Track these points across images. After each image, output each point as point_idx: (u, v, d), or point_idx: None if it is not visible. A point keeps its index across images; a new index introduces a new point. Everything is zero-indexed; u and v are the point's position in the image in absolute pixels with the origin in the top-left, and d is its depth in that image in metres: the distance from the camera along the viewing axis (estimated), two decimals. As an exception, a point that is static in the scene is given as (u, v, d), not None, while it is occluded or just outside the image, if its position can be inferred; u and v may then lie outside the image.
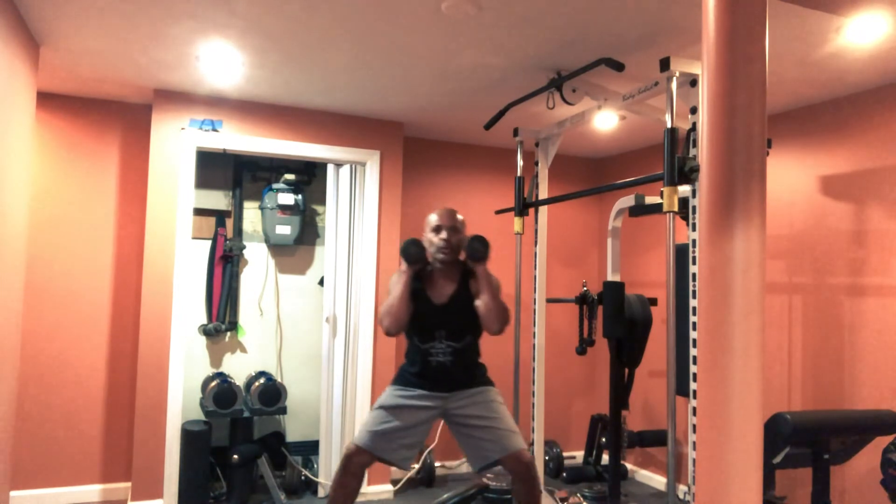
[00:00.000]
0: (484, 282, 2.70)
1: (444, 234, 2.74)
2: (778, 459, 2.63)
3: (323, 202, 4.47)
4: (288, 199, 4.32)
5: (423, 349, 2.74)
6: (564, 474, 4.37)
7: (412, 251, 2.72)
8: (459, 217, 2.82)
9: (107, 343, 3.82)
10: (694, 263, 2.37)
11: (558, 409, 4.86)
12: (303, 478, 4.04)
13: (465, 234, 2.80)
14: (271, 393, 3.91)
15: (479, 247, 2.70)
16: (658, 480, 4.40)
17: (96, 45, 2.96)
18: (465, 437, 2.75)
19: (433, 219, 2.80)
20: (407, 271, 2.73)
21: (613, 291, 3.42)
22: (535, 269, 3.47)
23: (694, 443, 2.26)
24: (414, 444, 2.74)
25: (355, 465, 2.67)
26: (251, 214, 4.46)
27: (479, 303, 2.70)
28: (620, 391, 3.53)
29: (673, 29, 2.60)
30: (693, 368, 2.32)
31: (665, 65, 2.44)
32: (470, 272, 2.78)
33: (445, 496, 3.78)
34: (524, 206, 3.48)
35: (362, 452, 2.66)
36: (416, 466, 4.29)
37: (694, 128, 2.42)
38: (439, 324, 2.73)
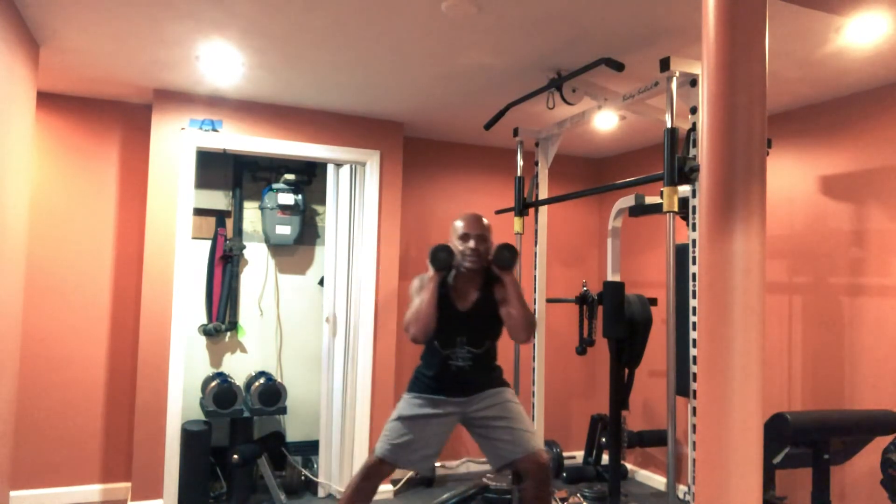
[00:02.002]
0: (512, 290, 2.66)
1: (472, 243, 2.68)
2: (778, 459, 2.63)
3: (323, 202, 4.46)
4: (288, 199, 4.32)
5: (444, 354, 2.72)
6: (564, 474, 4.37)
7: (441, 257, 2.66)
8: (486, 223, 2.76)
9: (107, 343, 3.82)
10: (694, 263, 2.37)
11: (558, 409, 4.85)
12: (303, 478, 4.04)
13: (491, 241, 2.76)
14: (271, 393, 3.91)
15: (508, 255, 2.66)
16: (658, 480, 4.39)
17: (96, 46, 2.96)
18: (484, 438, 2.75)
19: (460, 226, 2.73)
20: (434, 277, 2.67)
21: (613, 291, 3.42)
22: (535, 269, 3.47)
23: (694, 443, 2.26)
24: (435, 451, 2.75)
25: (376, 474, 2.69)
26: (251, 214, 4.46)
27: (506, 311, 2.67)
28: (620, 391, 3.53)
29: (673, 29, 2.60)
30: (693, 368, 2.32)
31: (665, 65, 2.44)
32: (493, 277, 2.74)
33: (445, 496, 3.78)
34: (524, 206, 3.48)
35: (384, 463, 2.68)
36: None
37: (694, 128, 2.42)
38: (462, 330, 2.71)
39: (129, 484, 3.74)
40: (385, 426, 2.77)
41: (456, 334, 2.71)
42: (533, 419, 3.42)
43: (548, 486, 2.69)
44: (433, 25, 2.62)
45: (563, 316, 4.77)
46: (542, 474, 2.66)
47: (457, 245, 2.73)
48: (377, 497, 3.96)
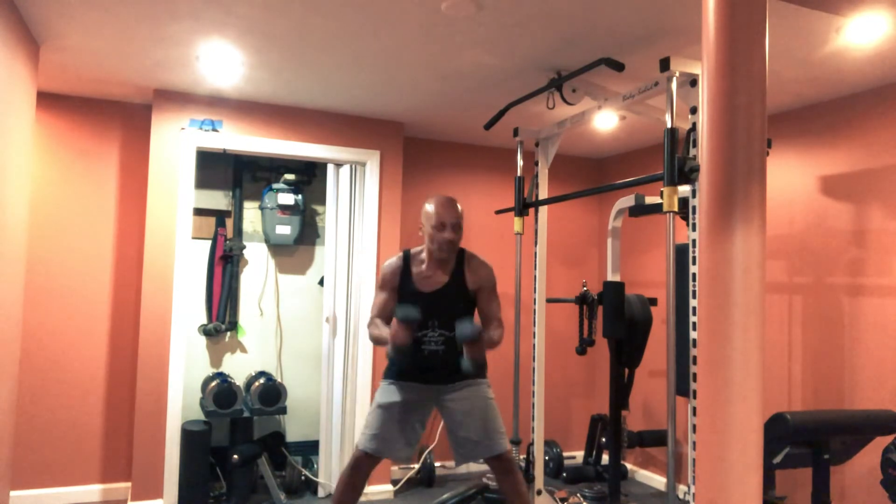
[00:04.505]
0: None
1: (447, 234, 2.60)
2: (778, 459, 2.63)
3: (323, 202, 4.46)
4: (288, 199, 4.32)
5: (416, 337, 2.66)
6: (564, 474, 4.37)
7: (412, 316, 2.47)
8: (460, 209, 2.67)
9: (107, 343, 3.81)
10: (694, 263, 2.37)
11: (558, 409, 4.85)
12: (303, 478, 4.04)
13: (462, 229, 2.67)
14: (271, 393, 3.91)
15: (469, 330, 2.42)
16: (658, 480, 4.39)
17: (96, 45, 2.96)
18: (452, 433, 2.76)
19: (436, 213, 2.61)
20: (398, 327, 2.49)
21: (613, 291, 3.42)
22: (535, 269, 3.47)
23: (694, 443, 2.27)
24: (414, 438, 2.76)
25: (364, 469, 2.70)
26: (251, 214, 4.46)
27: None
28: (620, 391, 3.54)
29: (673, 29, 2.60)
30: (693, 368, 2.32)
31: (665, 65, 2.44)
32: (463, 261, 2.72)
33: (445, 496, 3.78)
34: (524, 206, 3.48)
35: (370, 457, 2.68)
36: (416, 466, 4.29)
37: (694, 128, 2.42)
38: (432, 312, 2.65)
39: (129, 484, 3.74)
40: (367, 418, 2.76)
41: (427, 317, 2.62)
42: (533, 419, 3.42)
43: (518, 479, 2.74)
44: (433, 25, 2.62)
45: (563, 316, 4.77)
46: (509, 470, 2.72)
47: (432, 234, 2.63)
48: (378, 497, 3.98)
